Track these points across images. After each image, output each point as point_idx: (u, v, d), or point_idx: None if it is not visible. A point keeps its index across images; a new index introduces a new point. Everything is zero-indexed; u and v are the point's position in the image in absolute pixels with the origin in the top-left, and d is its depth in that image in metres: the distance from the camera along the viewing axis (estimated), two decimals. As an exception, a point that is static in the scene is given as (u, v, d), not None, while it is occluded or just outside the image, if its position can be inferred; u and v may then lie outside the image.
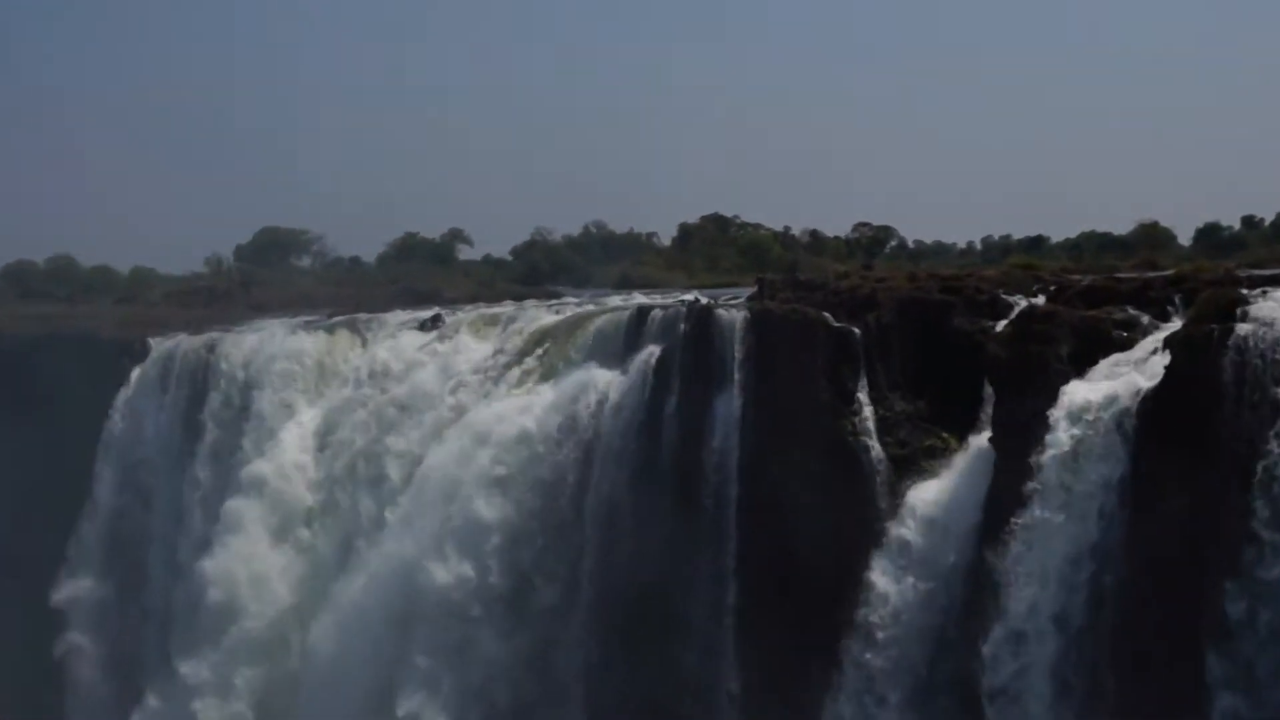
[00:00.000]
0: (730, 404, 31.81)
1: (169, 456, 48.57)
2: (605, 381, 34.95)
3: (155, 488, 48.85)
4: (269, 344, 47.56)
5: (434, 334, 46.60)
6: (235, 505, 44.02)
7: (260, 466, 44.13)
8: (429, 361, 43.41)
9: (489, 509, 35.20)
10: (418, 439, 40.30)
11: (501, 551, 34.86)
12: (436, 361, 42.99)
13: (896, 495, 28.47)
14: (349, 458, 42.80)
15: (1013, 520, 24.13)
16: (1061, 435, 23.58)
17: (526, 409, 36.38)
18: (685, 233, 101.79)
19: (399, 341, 46.34)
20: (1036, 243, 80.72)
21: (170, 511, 47.62)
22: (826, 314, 31.89)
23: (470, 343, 43.01)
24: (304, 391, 45.93)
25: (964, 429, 28.30)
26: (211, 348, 49.24)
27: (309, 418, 45.03)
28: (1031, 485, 23.81)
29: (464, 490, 35.94)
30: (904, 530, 27.53)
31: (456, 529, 35.59)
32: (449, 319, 47.73)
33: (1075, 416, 23.62)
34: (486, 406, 38.24)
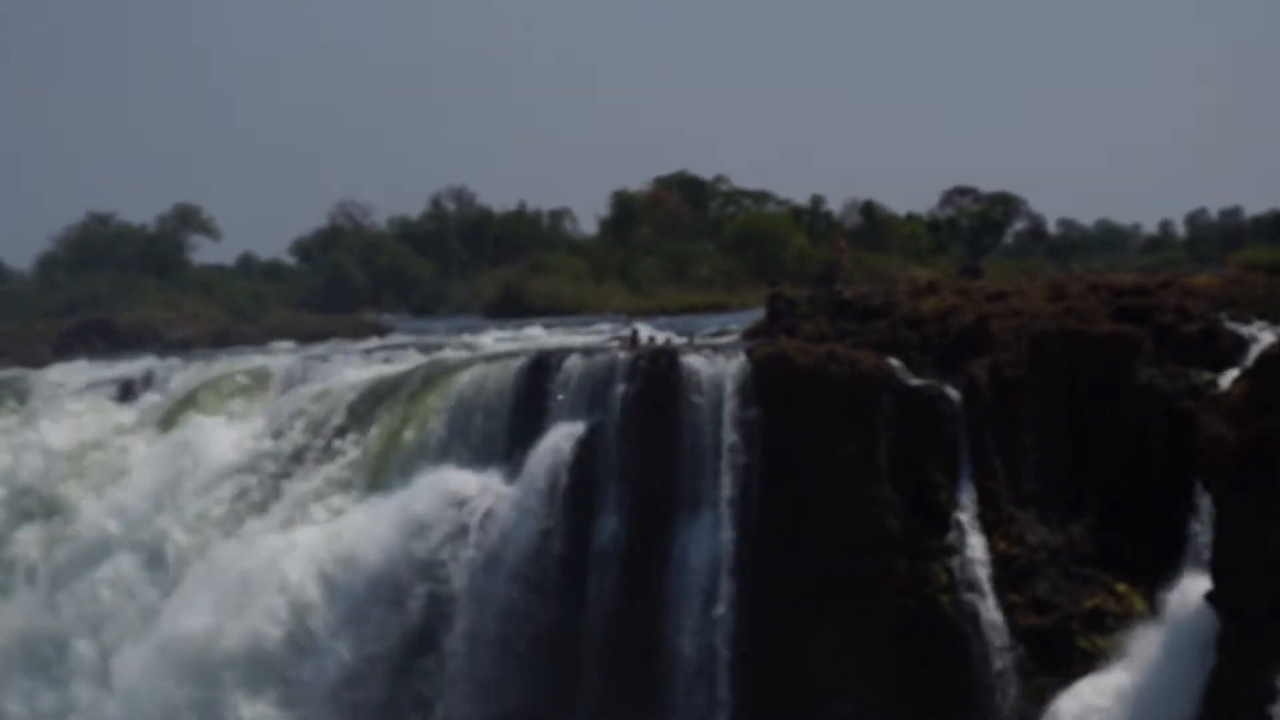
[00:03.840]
0: (713, 544, 32.14)
1: None
2: (473, 498, 35.36)
3: None
4: None
5: (139, 407, 46.52)
6: None
7: None
8: (131, 462, 43.95)
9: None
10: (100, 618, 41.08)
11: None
12: (146, 463, 43.51)
13: (1033, 705, 28.78)
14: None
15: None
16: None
17: (313, 557, 36.93)
18: (624, 210, 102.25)
19: (73, 423, 46.70)
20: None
21: None
22: (895, 361, 32.17)
23: (211, 426, 43.38)
24: None
25: (1156, 576, 28.61)
26: None
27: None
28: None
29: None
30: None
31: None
32: (171, 379, 47.71)
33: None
34: (239, 549, 38.74)
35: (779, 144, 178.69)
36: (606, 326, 51.94)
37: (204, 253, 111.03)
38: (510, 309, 78.06)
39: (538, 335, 50.35)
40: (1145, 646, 28.07)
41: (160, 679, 37.59)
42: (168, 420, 45.01)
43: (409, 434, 38.20)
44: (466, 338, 50.53)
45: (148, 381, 47.67)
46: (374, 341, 54.93)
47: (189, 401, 45.20)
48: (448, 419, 37.49)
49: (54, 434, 46.77)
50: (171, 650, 37.78)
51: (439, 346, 47.38)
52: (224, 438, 42.69)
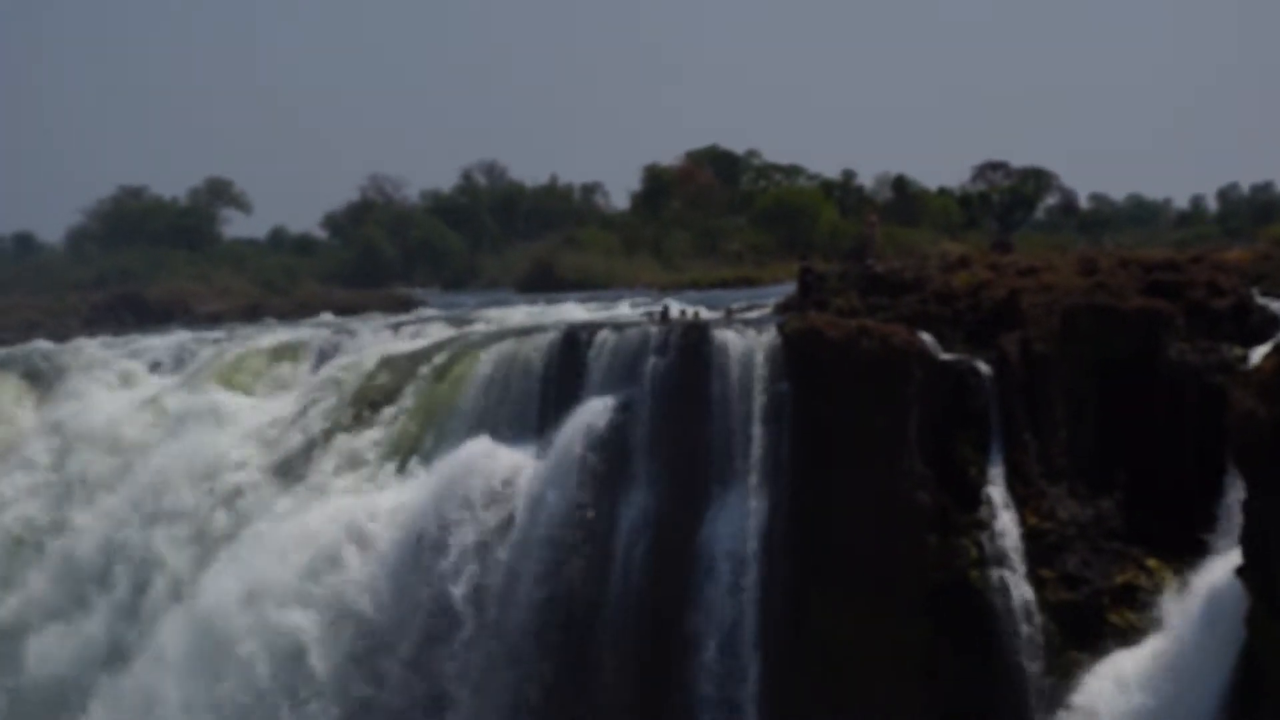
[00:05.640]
0: (744, 516, 32.28)
1: None
2: (506, 471, 35.59)
3: None
4: None
5: (172, 381, 46.77)
6: None
7: None
8: (160, 434, 44.36)
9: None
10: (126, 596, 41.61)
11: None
12: (178, 434, 43.78)
13: (1063, 680, 28.87)
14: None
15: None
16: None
17: (353, 525, 37.22)
18: (655, 185, 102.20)
19: (105, 396, 47.05)
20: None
21: None
22: (927, 336, 32.23)
23: (244, 399, 43.85)
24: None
25: (1186, 551, 28.69)
26: None
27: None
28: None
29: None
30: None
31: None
32: (202, 353, 47.95)
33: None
34: (276, 518, 39.09)
35: (811, 118, 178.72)
36: (638, 302, 51.95)
37: (235, 226, 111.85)
38: (541, 283, 78.20)
39: (568, 312, 50.37)
40: (1176, 622, 28.10)
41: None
42: (200, 393, 45.03)
43: (441, 408, 38.45)
44: (498, 312, 50.60)
45: (180, 355, 47.73)
46: (405, 315, 55.04)
47: (221, 375, 45.31)
48: (480, 393, 37.73)
49: (85, 408, 47.01)
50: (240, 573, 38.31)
51: (470, 321, 47.46)
52: (256, 411, 42.83)
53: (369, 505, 37.56)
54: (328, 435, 40.36)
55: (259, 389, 44.30)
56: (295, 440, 41.16)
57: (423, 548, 35.87)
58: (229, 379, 45.18)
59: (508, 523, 35.03)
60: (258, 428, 42.36)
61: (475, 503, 35.42)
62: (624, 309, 48.55)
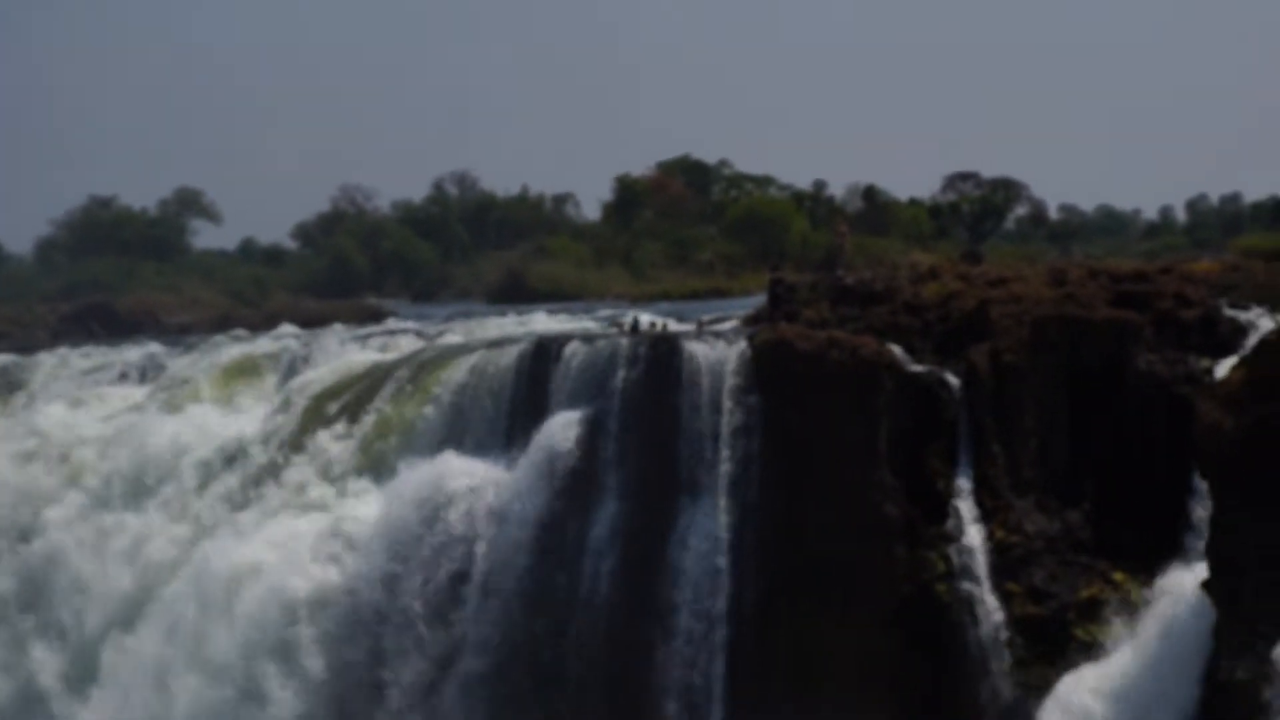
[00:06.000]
0: (714, 528, 32.24)
1: None
2: (473, 484, 35.51)
3: None
4: None
5: (144, 391, 46.65)
6: None
7: None
8: (131, 443, 44.08)
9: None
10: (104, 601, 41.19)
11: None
12: (151, 442, 43.63)
13: (1030, 694, 28.82)
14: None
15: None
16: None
17: (324, 537, 37.16)
18: (626, 195, 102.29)
19: (77, 407, 46.84)
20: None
21: None
22: (896, 348, 32.25)
23: (212, 410, 43.84)
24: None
25: (1153, 564, 28.69)
26: None
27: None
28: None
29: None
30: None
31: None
32: (173, 363, 47.82)
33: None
34: (246, 531, 38.94)
35: (782, 128, 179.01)
36: (607, 314, 51.93)
37: (205, 237, 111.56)
38: (512, 294, 78.11)
39: (538, 322, 50.32)
40: (1142, 635, 28.08)
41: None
42: (169, 405, 44.93)
43: (409, 419, 38.35)
44: (467, 323, 50.53)
45: (148, 366, 47.59)
46: (375, 326, 54.97)
47: (190, 386, 45.17)
48: (448, 405, 37.68)
49: (52, 419, 46.84)
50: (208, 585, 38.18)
51: (440, 332, 47.40)
52: (223, 423, 42.72)
53: (335, 519, 37.41)
54: (294, 448, 40.19)
55: (226, 401, 44.15)
56: (262, 453, 40.95)
57: (390, 561, 35.71)
58: (196, 391, 45.00)
59: (476, 536, 34.90)
60: (225, 440, 42.16)
61: (443, 516, 35.31)
62: (592, 323, 48.46)
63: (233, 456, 41.55)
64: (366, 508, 37.21)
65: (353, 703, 35.52)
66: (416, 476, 36.38)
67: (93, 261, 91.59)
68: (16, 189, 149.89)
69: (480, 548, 34.73)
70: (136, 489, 42.80)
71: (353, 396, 40.61)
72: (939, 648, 29.96)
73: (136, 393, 47.32)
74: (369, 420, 39.37)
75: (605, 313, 52.07)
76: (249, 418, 42.73)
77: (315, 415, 40.99)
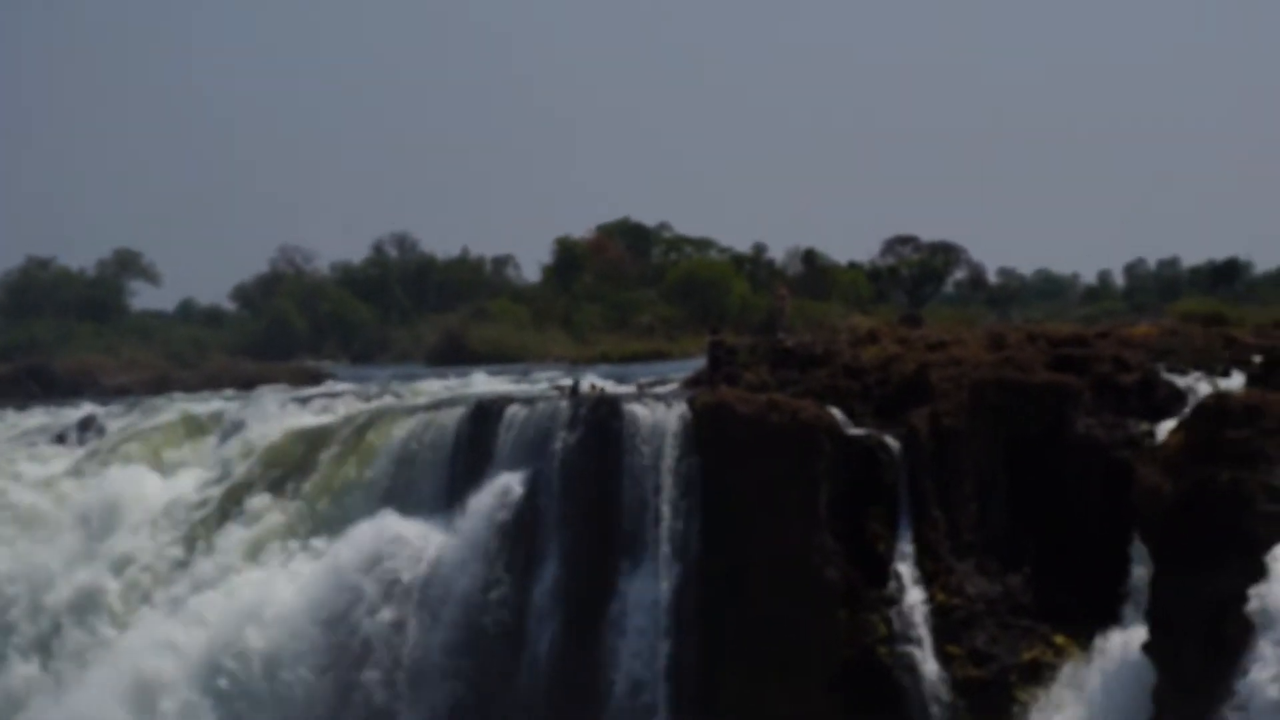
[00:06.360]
0: (654, 592, 32.19)
1: None
2: (415, 545, 35.35)
3: None
4: None
5: (82, 451, 46.34)
6: None
7: None
8: (70, 507, 43.70)
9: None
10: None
11: None
12: (87, 507, 43.22)
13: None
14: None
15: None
16: (1275, 630, 23.64)
17: (260, 603, 36.86)
18: (566, 257, 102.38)
19: (12, 470, 46.34)
20: (1229, 272, 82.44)
21: None
22: (836, 411, 32.32)
23: (149, 473, 43.40)
24: None
25: (1094, 627, 28.80)
26: None
27: None
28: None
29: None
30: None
31: None
32: (112, 424, 47.51)
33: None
34: (184, 596, 38.68)
35: (721, 191, 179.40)
36: (548, 376, 51.88)
37: (144, 298, 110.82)
38: (452, 356, 77.88)
39: (478, 384, 50.16)
40: (1083, 698, 28.16)
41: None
42: (105, 467, 44.51)
43: (348, 482, 38.12)
44: (407, 385, 50.37)
45: (86, 426, 47.23)
46: (314, 389, 54.70)
47: (127, 449, 44.81)
48: (388, 467, 37.47)
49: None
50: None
51: (380, 394, 47.23)
52: (162, 485, 42.41)
53: (274, 584, 37.11)
54: (233, 512, 39.86)
55: (163, 464, 43.78)
56: (199, 517, 40.63)
57: (331, 626, 35.49)
58: (136, 452, 44.65)
59: (417, 600, 34.69)
60: (161, 505, 41.80)
61: (383, 580, 35.13)
62: (531, 384, 48.42)
63: (170, 519, 41.13)
64: (306, 571, 36.92)
65: None
66: (357, 538, 36.18)
67: (31, 322, 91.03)
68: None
69: (419, 611, 34.48)
70: (77, 557, 42.26)
71: (292, 459, 40.31)
72: (881, 711, 29.90)
73: (75, 454, 46.79)
74: (308, 484, 39.06)
75: (545, 375, 51.90)
76: (188, 479, 42.35)
77: (253, 478, 40.61)
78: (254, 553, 38.73)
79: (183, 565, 39.89)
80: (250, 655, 36.50)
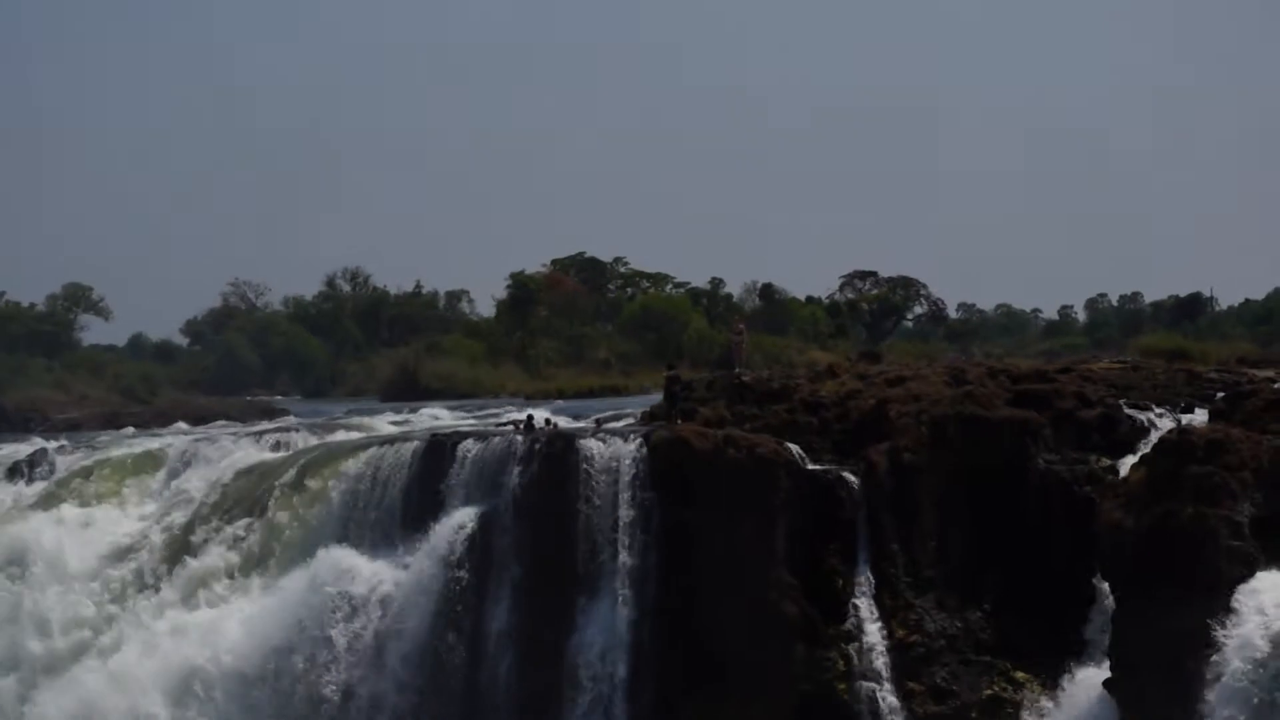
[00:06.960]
0: (612, 626, 31.99)
1: None
2: (368, 582, 35.15)
3: None
4: None
5: (32, 490, 45.99)
6: None
7: None
8: (15, 545, 43.02)
9: None
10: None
11: None
12: (35, 547, 42.67)
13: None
14: None
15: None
16: (1238, 666, 23.81)
17: (210, 638, 36.63)
18: (521, 292, 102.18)
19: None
20: (1193, 307, 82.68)
21: None
22: (794, 446, 32.16)
23: (99, 510, 43.07)
24: None
25: (1055, 663, 28.72)
26: None
27: None
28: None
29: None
30: None
31: None
32: (60, 460, 47.16)
33: (1275, 636, 23.94)
34: (134, 635, 38.46)
35: (678, 226, 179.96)
36: (503, 411, 51.71)
37: (95, 332, 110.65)
38: (405, 391, 77.92)
39: (432, 418, 49.96)
40: (1045, 733, 28.08)
41: None
42: (53, 504, 44.22)
43: (301, 518, 37.96)
44: (361, 420, 50.17)
45: (34, 462, 46.86)
46: (267, 424, 54.47)
47: (76, 485, 44.52)
48: (341, 503, 37.28)
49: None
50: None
51: (332, 429, 47.04)
52: (111, 521, 42.15)
53: (225, 619, 36.76)
54: (184, 547, 39.63)
55: (112, 501, 43.50)
56: (151, 553, 40.37)
57: (282, 661, 35.24)
58: (80, 491, 44.32)
59: (370, 636, 34.46)
60: (111, 541, 41.51)
61: (336, 616, 34.91)
62: (483, 420, 48.25)
63: (120, 555, 40.85)
64: (258, 606, 36.72)
65: None
66: (309, 574, 35.99)
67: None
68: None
69: (372, 648, 34.31)
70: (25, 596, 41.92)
71: (244, 495, 40.08)
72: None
73: (26, 491, 46.37)
74: (260, 519, 38.87)
75: (499, 410, 51.76)
76: (138, 515, 42.10)
77: (205, 513, 40.38)
78: (204, 589, 38.47)
79: (131, 602, 39.61)
80: (212, 681, 36.28)
